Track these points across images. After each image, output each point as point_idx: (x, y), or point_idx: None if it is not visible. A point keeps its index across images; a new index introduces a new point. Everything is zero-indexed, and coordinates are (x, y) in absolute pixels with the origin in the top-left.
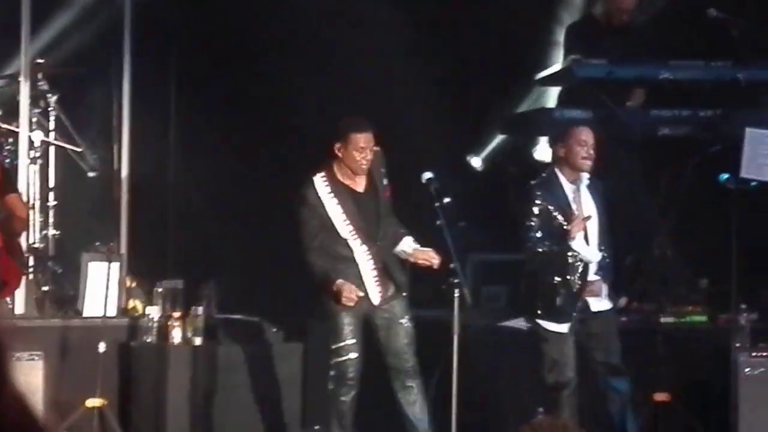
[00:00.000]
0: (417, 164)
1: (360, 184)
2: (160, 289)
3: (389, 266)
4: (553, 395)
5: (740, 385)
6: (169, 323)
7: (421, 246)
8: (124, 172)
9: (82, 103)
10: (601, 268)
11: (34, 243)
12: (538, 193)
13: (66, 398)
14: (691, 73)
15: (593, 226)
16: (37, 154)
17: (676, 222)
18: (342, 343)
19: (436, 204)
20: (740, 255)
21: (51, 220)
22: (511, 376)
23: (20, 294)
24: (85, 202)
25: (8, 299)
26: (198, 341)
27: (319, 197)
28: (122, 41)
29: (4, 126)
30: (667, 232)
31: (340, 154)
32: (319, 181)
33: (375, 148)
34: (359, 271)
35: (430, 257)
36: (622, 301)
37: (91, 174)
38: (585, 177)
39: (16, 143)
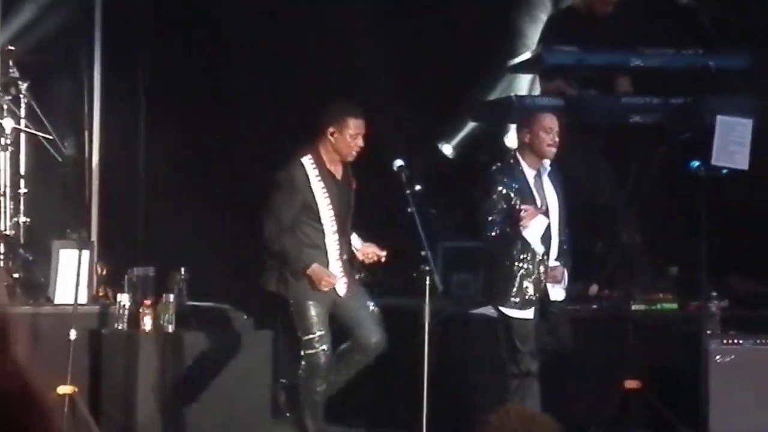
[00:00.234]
0: (388, 151)
1: (338, 172)
2: (131, 277)
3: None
4: (515, 383)
5: (711, 372)
6: (140, 311)
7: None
8: (95, 159)
9: (52, 91)
10: (561, 254)
11: (4, 230)
12: (499, 178)
13: (36, 385)
14: (662, 60)
15: (554, 214)
16: (8, 141)
17: (646, 209)
18: (312, 335)
19: (407, 191)
20: (710, 242)
21: (22, 207)
22: (482, 364)
23: None
24: (55, 189)
25: None
26: (169, 329)
27: (307, 179)
28: (93, 28)
29: None
30: (637, 220)
31: (332, 139)
32: (308, 163)
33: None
34: (327, 260)
35: (377, 252)
36: (593, 289)
37: (61, 161)
38: (547, 164)
39: None
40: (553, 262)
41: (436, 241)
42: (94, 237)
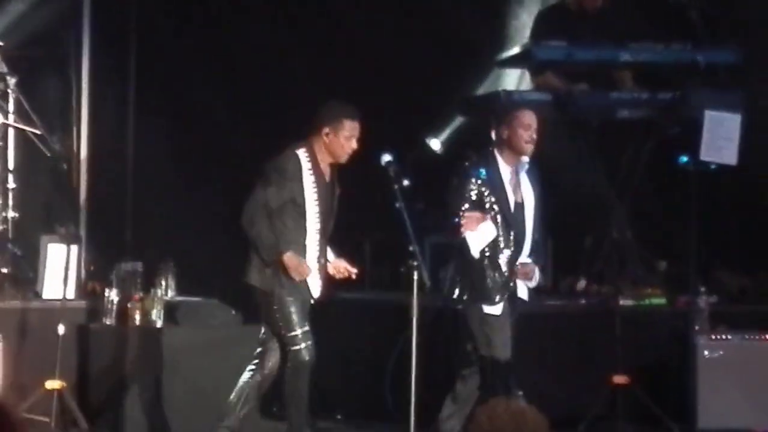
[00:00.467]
0: (376, 146)
1: (327, 173)
2: (119, 272)
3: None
4: (485, 377)
5: (699, 367)
6: (128, 305)
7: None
8: (84, 154)
9: (41, 86)
10: (533, 251)
11: None
12: (473, 172)
13: (25, 380)
14: (651, 55)
15: (529, 211)
16: None
17: (634, 204)
18: (295, 332)
19: (395, 186)
20: (699, 238)
21: (10, 202)
22: (469, 359)
23: None
24: (44, 184)
25: None
26: (157, 324)
27: (300, 171)
28: (81, 23)
29: None
30: (626, 215)
31: (326, 138)
32: (303, 156)
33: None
34: (304, 258)
35: (348, 268)
36: (581, 284)
37: (50, 156)
38: (525, 162)
39: None
40: (525, 259)
41: (424, 237)
42: (82, 232)
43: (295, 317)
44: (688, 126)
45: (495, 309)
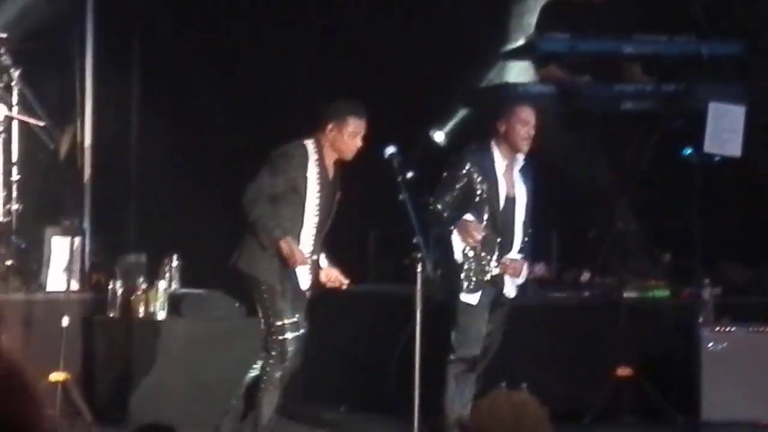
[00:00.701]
0: (380, 139)
1: (331, 172)
2: (123, 264)
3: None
4: (455, 369)
5: (703, 359)
6: (132, 298)
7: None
8: (87, 146)
9: (45, 78)
10: (523, 250)
11: None
12: (469, 159)
13: (29, 372)
14: (655, 47)
15: (520, 208)
16: (1, 129)
17: (638, 196)
18: (284, 321)
19: (399, 178)
20: (703, 229)
21: (14, 194)
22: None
23: None
24: (48, 176)
25: None
26: (161, 316)
27: (306, 162)
28: (85, 16)
29: None
30: (630, 207)
31: (330, 135)
32: (310, 147)
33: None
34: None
35: (340, 279)
36: (585, 276)
37: (53, 148)
38: (520, 158)
39: None
40: (514, 255)
41: (428, 229)
42: (86, 224)
43: (284, 307)
44: (692, 118)
45: (470, 298)
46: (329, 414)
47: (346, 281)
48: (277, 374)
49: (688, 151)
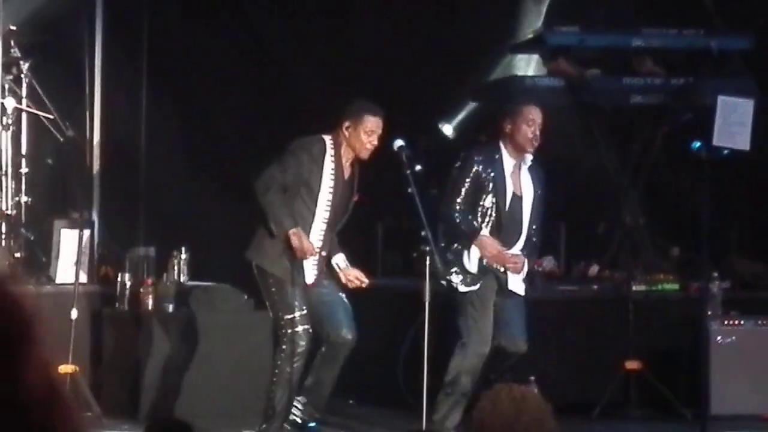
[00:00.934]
0: (389, 132)
1: (348, 171)
2: (132, 256)
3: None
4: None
5: (711, 353)
6: (140, 290)
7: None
8: (97, 139)
9: (54, 70)
10: (527, 247)
11: (6, 210)
12: (477, 158)
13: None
14: (664, 41)
15: (527, 206)
16: (10, 121)
17: (647, 190)
18: (293, 315)
19: (408, 171)
20: (712, 223)
21: (23, 187)
22: None
23: None
24: (57, 169)
25: None
26: (169, 308)
27: (322, 156)
28: (94, 8)
29: None
30: (639, 200)
31: (346, 132)
32: (328, 143)
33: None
34: None
35: (360, 278)
36: (593, 270)
37: (62, 140)
38: (528, 158)
39: None
40: (516, 251)
41: (437, 222)
42: (95, 217)
43: (293, 299)
44: (701, 112)
45: (470, 288)
46: (338, 407)
47: (366, 281)
48: (288, 369)
49: (697, 144)
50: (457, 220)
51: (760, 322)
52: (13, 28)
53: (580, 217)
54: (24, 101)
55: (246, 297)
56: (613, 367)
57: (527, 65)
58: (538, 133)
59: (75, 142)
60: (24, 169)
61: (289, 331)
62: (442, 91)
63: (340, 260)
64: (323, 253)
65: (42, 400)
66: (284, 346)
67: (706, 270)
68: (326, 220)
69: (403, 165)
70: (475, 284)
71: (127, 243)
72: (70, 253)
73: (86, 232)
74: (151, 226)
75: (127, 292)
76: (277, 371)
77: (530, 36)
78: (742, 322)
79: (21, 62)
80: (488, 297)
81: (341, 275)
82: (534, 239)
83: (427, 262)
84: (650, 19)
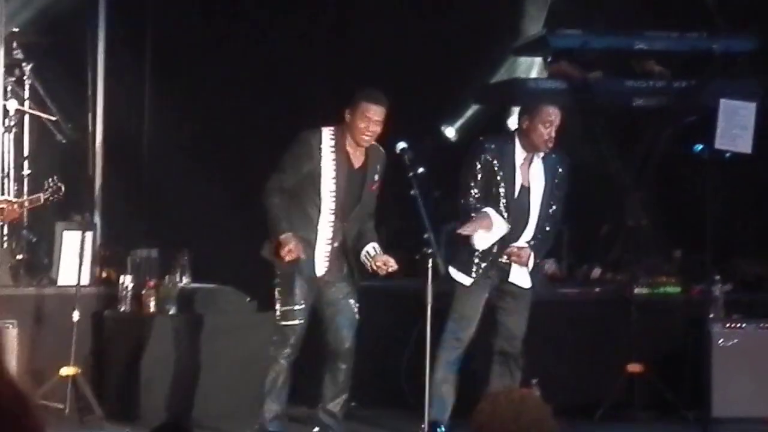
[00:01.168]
0: (391, 134)
1: (358, 161)
2: (134, 258)
3: (348, 253)
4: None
5: (714, 356)
6: (143, 292)
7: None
8: (99, 141)
9: (56, 72)
10: (536, 239)
11: None
12: (487, 146)
13: (40, 367)
14: (666, 43)
15: (536, 197)
16: (12, 123)
17: (650, 192)
18: (291, 307)
19: (410, 174)
20: (714, 226)
21: (26, 188)
22: (484, 345)
23: None
24: (59, 170)
25: None
26: (172, 310)
27: (320, 148)
28: (97, 9)
29: None
30: (642, 203)
31: (346, 119)
32: (327, 134)
33: (381, 149)
34: (315, 238)
35: (389, 263)
36: (596, 272)
37: (65, 142)
38: (541, 153)
39: None
40: (522, 243)
41: (439, 224)
42: (97, 219)
43: (297, 294)
44: (703, 114)
45: (465, 279)
46: None
47: (395, 265)
48: (281, 359)
49: (699, 147)
50: (475, 209)
51: (762, 324)
52: (16, 29)
53: (583, 219)
54: (26, 103)
55: (248, 299)
56: (615, 369)
57: (529, 68)
58: (553, 134)
59: (77, 144)
60: (26, 171)
61: (283, 322)
62: (444, 94)
63: (370, 249)
64: (335, 245)
65: (8, 410)
66: (275, 337)
67: (708, 272)
68: (333, 211)
69: (405, 167)
70: (470, 274)
71: (129, 244)
72: (72, 255)
73: (88, 234)
74: (153, 228)
75: (130, 294)
76: (272, 362)
77: (533, 38)
78: (744, 325)
79: (23, 64)
80: (482, 287)
81: (369, 265)
82: (548, 228)
83: (430, 264)
84: (653, 22)
